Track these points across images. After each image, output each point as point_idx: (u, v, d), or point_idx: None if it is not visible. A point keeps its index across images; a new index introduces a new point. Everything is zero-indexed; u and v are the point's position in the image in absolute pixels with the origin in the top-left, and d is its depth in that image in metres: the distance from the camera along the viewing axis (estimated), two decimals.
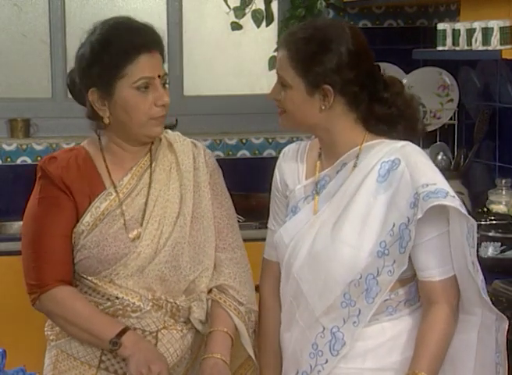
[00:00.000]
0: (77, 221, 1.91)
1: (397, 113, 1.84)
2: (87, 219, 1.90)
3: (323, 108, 1.81)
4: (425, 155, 1.85)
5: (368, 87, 1.81)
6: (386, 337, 1.82)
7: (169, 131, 2.02)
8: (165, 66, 1.96)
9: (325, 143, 1.87)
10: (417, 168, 1.78)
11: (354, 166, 1.83)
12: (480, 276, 1.77)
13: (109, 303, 1.90)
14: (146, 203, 1.93)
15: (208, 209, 1.98)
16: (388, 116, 1.83)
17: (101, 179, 1.94)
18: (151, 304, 1.91)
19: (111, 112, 1.90)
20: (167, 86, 1.94)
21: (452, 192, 1.75)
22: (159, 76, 1.89)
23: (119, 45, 1.87)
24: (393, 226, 1.76)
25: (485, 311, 1.80)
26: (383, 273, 1.77)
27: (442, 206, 1.73)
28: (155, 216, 1.92)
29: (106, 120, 1.91)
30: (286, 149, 1.99)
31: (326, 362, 1.81)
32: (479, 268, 1.78)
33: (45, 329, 2.00)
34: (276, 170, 1.97)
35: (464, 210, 1.73)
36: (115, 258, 1.89)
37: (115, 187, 1.93)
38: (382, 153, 1.81)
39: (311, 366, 1.83)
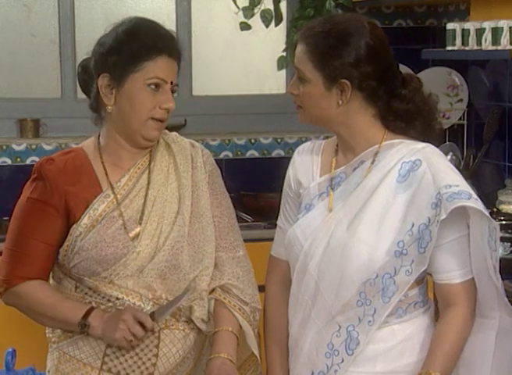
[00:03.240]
0: (73, 223, 1.91)
1: (415, 109, 1.83)
2: (85, 221, 1.90)
3: (340, 103, 1.80)
4: (445, 157, 1.85)
5: (386, 82, 1.81)
6: (397, 339, 1.82)
7: (167, 131, 2.02)
8: None
9: (344, 139, 1.87)
10: (439, 169, 1.78)
11: (372, 163, 1.82)
12: (500, 280, 1.76)
13: (110, 304, 1.91)
14: (144, 204, 1.93)
15: (207, 209, 1.98)
16: (406, 111, 1.83)
17: (98, 181, 1.94)
18: (151, 303, 1.91)
19: (116, 102, 1.90)
20: (175, 95, 1.94)
21: (474, 195, 1.75)
22: (171, 83, 1.90)
23: (143, 40, 1.88)
24: (412, 226, 1.75)
25: (504, 315, 1.79)
26: (401, 272, 1.77)
27: (463, 209, 1.73)
28: (154, 215, 1.92)
29: (109, 109, 1.91)
30: (300, 147, 1.98)
31: (342, 361, 1.81)
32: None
33: (46, 331, 2.00)
34: (290, 168, 1.97)
35: (487, 213, 1.73)
36: (114, 258, 1.89)
37: (112, 188, 1.93)
38: (401, 153, 1.81)
39: (327, 366, 1.82)
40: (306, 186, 1.91)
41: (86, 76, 1.96)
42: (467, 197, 1.73)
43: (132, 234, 1.91)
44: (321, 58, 1.78)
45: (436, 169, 1.78)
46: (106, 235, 1.90)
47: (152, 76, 1.88)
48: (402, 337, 1.82)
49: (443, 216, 1.72)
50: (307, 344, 1.85)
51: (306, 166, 1.93)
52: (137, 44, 1.88)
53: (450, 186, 1.74)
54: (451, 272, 1.78)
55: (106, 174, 1.94)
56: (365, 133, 1.84)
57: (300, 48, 1.82)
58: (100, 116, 1.95)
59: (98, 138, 1.98)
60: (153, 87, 1.88)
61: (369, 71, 1.78)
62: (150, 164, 1.97)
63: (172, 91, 1.92)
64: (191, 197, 1.96)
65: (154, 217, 1.92)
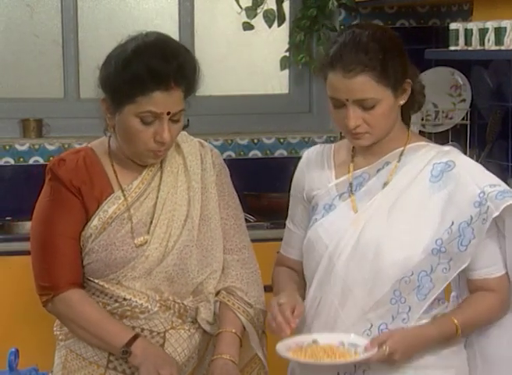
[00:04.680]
0: (85, 224, 1.91)
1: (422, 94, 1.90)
2: (95, 222, 1.90)
3: (402, 102, 1.83)
4: None
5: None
6: None
7: None
8: None
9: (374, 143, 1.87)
10: (475, 170, 1.84)
11: (398, 162, 1.84)
12: None
13: (117, 304, 1.91)
14: (154, 206, 1.92)
15: (215, 211, 1.97)
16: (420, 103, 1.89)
17: (110, 182, 1.93)
18: (158, 305, 1.91)
19: (115, 126, 1.88)
20: (180, 120, 1.87)
21: None
22: (168, 113, 1.83)
23: (139, 73, 1.80)
24: (452, 224, 1.79)
25: None
26: (437, 270, 1.80)
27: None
28: (163, 219, 1.91)
29: (110, 129, 1.90)
30: (310, 151, 1.98)
31: None
32: None
33: (54, 328, 2.00)
34: (299, 172, 1.97)
35: None
36: (123, 261, 1.89)
37: (123, 191, 1.92)
38: (430, 155, 1.85)
39: (354, 366, 1.82)
40: (321, 187, 1.91)
41: None
42: None
43: (139, 241, 1.90)
44: (387, 72, 1.77)
45: (472, 169, 1.83)
46: (116, 239, 1.89)
47: (144, 111, 1.81)
48: None
49: (496, 214, 1.77)
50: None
51: (319, 169, 1.93)
52: (132, 77, 1.80)
53: (494, 185, 1.80)
54: (488, 267, 1.83)
55: (116, 176, 1.94)
56: (394, 136, 1.86)
57: (361, 80, 1.76)
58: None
59: (109, 141, 1.96)
60: (147, 120, 1.83)
61: (409, 63, 1.83)
62: (162, 165, 1.95)
63: (175, 120, 1.86)
64: (201, 200, 1.95)
65: (164, 220, 1.91)
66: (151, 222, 1.91)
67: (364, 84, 1.77)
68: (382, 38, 1.80)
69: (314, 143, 3.60)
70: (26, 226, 3.31)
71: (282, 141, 3.64)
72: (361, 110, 1.79)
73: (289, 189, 2.03)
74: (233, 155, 3.59)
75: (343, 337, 1.78)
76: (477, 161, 3.25)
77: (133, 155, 1.91)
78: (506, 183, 3.16)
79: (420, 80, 1.88)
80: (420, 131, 3.22)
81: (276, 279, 1.99)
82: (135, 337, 1.86)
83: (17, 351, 1.75)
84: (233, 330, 1.92)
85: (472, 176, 1.81)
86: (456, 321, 1.80)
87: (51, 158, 3.39)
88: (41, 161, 3.43)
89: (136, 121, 1.83)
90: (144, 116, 1.83)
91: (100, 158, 1.95)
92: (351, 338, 1.78)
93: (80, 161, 1.94)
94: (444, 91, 3.36)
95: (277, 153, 3.64)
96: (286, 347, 1.79)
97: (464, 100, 3.40)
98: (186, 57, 1.88)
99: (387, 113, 1.81)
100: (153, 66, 1.81)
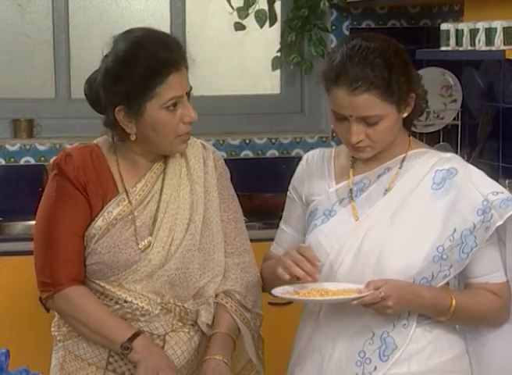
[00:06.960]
0: (90, 222, 1.90)
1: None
2: (99, 223, 1.89)
3: (405, 115, 1.82)
4: None
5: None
6: (428, 339, 1.83)
7: None
8: None
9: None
10: (478, 177, 1.83)
11: (400, 168, 1.84)
12: None
13: (118, 306, 1.90)
14: (157, 210, 1.91)
15: (217, 215, 1.97)
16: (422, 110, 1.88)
17: (115, 182, 1.93)
18: (159, 308, 1.91)
19: (138, 129, 1.87)
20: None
21: None
22: (186, 93, 1.88)
23: (147, 64, 1.82)
24: (454, 231, 1.78)
25: None
26: (438, 277, 1.79)
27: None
28: (166, 222, 1.91)
29: (133, 137, 1.88)
30: (309, 155, 1.97)
31: (375, 369, 1.80)
32: None
33: (52, 329, 1.99)
34: (298, 176, 1.96)
35: None
36: (126, 264, 1.88)
37: (127, 193, 1.92)
38: (432, 161, 1.84)
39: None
40: (321, 193, 1.90)
41: (96, 100, 1.90)
42: None
43: (143, 245, 1.89)
44: (391, 90, 1.76)
45: (475, 176, 1.82)
46: (120, 241, 1.89)
47: (168, 99, 1.84)
48: (432, 337, 1.83)
49: (500, 222, 1.76)
50: (336, 354, 1.84)
51: (319, 174, 1.92)
52: (142, 70, 1.82)
53: (497, 193, 1.79)
54: (489, 274, 1.82)
55: (121, 178, 1.93)
56: (395, 143, 1.85)
57: (365, 98, 1.75)
58: (120, 135, 1.91)
59: (113, 138, 1.94)
60: (171, 107, 1.85)
61: (414, 74, 1.83)
62: (165, 168, 1.95)
63: (188, 96, 1.89)
64: (203, 204, 1.95)
65: (167, 224, 1.91)
66: (154, 225, 1.91)
67: (369, 102, 1.76)
68: (387, 53, 1.78)
69: (306, 143, 3.61)
70: (18, 227, 3.31)
71: (273, 141, 3.64)
72: (364, 125, 1.78)
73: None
74: (225, 156, 3.58)
75: (341, 285, 1.78)
76: (468, 161, 3.29)
77: (163, 151, 1.91)
78: (497, 183, 3.18)
79: (422, 85, 1.86)
80: (411, 131, 3.23)
81: (266, 265, 1.98)
82: (137, 334, 1.85)
83: (8, 351, 1.74)
84: (227, 332, 1.91)
85: (475, 183, 1.80)
86: (453, 298, 1.79)
87: (42, 159, 3.43)
88: (32, 161, 3.42)
89: (162, 113, 1.85)
90: (169, 105, 1.84)
91: (106, 157, 1.95)
92: (348, 285, 1.77)
93: (86, 157, 1.93)
94: (435, 91, 3.36)
95: (269, 153, 3.64)
96: (282, 291, 1.79)
97: (455, 100, 3.40)
98: (175, 38, 1.93)
99: (390, 128, 1.80)
100: (160, 53, 1.83)
